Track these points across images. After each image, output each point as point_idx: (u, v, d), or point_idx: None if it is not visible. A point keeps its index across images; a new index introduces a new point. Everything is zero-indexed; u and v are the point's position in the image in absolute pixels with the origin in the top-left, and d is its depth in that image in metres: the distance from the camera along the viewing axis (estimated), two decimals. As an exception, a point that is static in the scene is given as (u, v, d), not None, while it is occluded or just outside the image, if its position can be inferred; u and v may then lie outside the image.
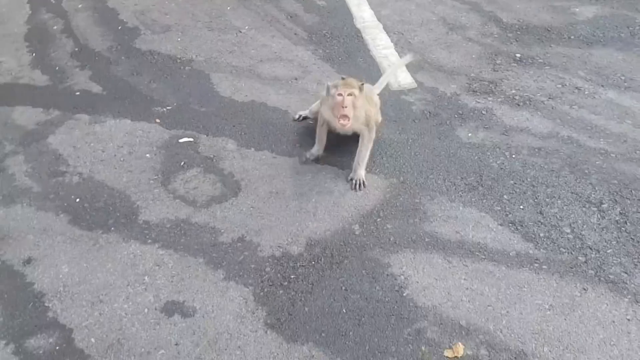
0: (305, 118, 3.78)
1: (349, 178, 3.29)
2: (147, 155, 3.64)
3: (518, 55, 4.44)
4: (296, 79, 4.31)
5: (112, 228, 3.12)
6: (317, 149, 3.46)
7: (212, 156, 3.60)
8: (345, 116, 3.10)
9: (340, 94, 3.11)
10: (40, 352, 2.51)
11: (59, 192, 3.39)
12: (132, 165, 3.57)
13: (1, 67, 4.72)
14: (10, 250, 3.02)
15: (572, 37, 4.61)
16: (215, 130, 3.82)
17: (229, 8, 5.40)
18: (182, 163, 3.56)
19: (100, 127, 3.92)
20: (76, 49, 4.89)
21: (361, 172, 3.27)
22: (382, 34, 4.85)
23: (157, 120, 3.95)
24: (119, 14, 5.39)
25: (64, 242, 3.05)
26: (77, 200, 3.33)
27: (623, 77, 4.09)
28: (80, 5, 5.59)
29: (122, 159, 3.62)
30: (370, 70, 4.34)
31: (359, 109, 3.16)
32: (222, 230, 3.07)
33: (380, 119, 3.54)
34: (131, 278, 2.83)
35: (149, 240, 3.03)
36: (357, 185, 3.24)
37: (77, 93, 4.32)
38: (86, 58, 4.76)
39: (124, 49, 4.85)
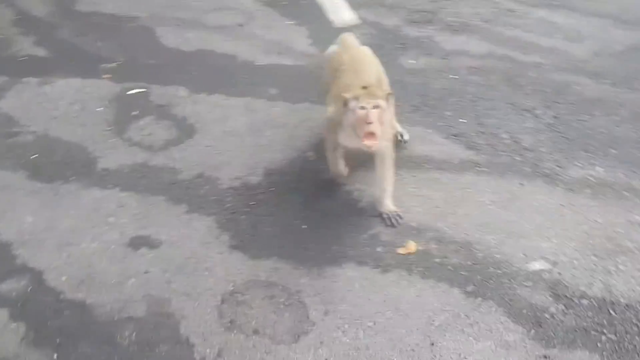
0: None
1: (379, 213, 2.74)
2: (100, 109, 3.67)
3: (454, -15, 4.57)
4: (241, 25, 4.36)
5: (72, 178, 3.17)
6: (338, 169, 2.89)
7: (164, 104, 3.65)
8: (372, 134, 2.44)
9: (363, 107, 2.48)
10: (13, 294, 2.58)
11: (15, 151, 3.40)
12: (86, 119, 3.59)
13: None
14: (-28, 208, 3.05)
15: (505, -36, 4.76)
16: (165, 79, 3.86)
17: (168, -35, 5.34)
18: (135, 113, 3.60)
19: (50, 88, 3.91)
20: (17, 17, 4.80)
21: (389, 202, 2.73)
22: (322, -24, 4.90)
23: (107, 76, 3.96)
24: (56, -21, 5.27)
25: (25, 195, 3.09)
26: (34, 156, 3.35)
27: (554, -4, 4.28)
28: (15, -26, 5.43)
29: (74, 115, 3.64)
30: (312, 12, 4.41)
31: (385, 124, 2.57)
32: (181, 170, 3.15)
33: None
34: (95, 220, 2.89)
35: (109, 185, 3.09)
36: (393, 220, 2.70)
37: (23, 58, 4.27)
38: (28, 25, 4.68)
39: (65, 12, 4.79)
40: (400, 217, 2.73)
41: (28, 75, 4.06)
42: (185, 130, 3.42)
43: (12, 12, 4.88)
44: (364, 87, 2.55)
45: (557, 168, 2.91)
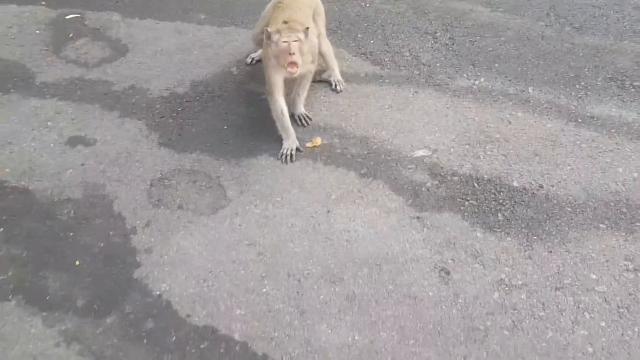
0: (259, 61, 3.48)
1: (291, 114, 3.10)
2: (37, 31, 3.92)
3: None
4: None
5: (12, 90, 3.45)
6: (290, 143, 2.99)
7: (99, 27, 3.93)
8: (293, 63, 2.76)
9: (285, 41, 2.76)
10: (-40, 184, 2.90)
11: (-46, 68, 3.64)
12: (23, 40, 3.84)
13: None
14: None
15: None
16: (100, 6, 4.13)
17: None
18: (70, 35, 3.87)
19: (-13, 13, 4.11)
20: (-52, -52, 4.88)
21: (301, 106, 3.15)
22: None
23: (43, 3, 4.18)
24: None
25: (-33, 105, 3.36)
26: (-26, 72, 3.60)
27: (463, -62, 4.72)
28: None
29: (12, 37, 3.88)
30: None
31: (305, 53, 2.85)
32: (114, 82, 3.48)
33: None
34: (35, 124, 3.21)
35: (47, 96, 3.40)
36: (303, 121, 3.14)
37: (-43, -15, 4.42)
38: (-40, -45, 4.78)
39: (-1, -56, 4.90)
40: (310, 119, 3.16)
41: (-36, 1, 4.23)
42: (119, 50, 3.73)
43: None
44: (285, 22, 2.84)
45: (447, 79, 3.39)
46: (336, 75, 3.37)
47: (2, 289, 2.45)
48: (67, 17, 4.03)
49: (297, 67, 2.77)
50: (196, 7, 4.05)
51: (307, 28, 2.85)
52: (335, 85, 3.35)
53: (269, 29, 2.82)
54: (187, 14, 3.99)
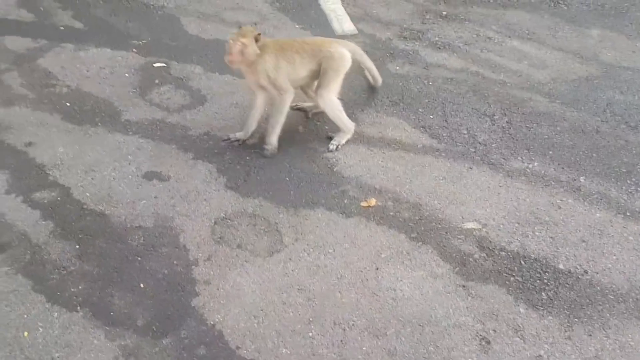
0: (299, 109, 3.96)
1: (261, 145, 3.60)
2: (126, 75, 4.37)
3: (444, 12, 5.35)
4: (255, 23, 5.09)
5: (99, 124, 3.84)
6: (241, 133, 3.67)
7: (182, 77, 4.35)
8: (230, 61, 3.41)
9: (232, 39, 3.37)
10: (45, 201, 3.23)
11: (51, 99, 4.08)
12: (114, 81, 4.28)
13: (-11, 5, 5.33)
14: (12, 137, 3.71)
15: (491, 0, 5.56)
16: (185, 59, 4.57)
17: (197, -33, 6.13)
18: (156, 81, 4.30)
19: (84, 54, 4.61)
20: (58, -6, 5.53)
21: (271, 139, 3.55)
22: (332, -8, 5.69)
23: (134, 50, 4.67)
24: (96, -33, 6.04)
25: (59, 132, 3.76)
26: (68, 104, 4.03)
27: (527, 31, 5.04)
28: (59, -41, 6.21)
29: (104, 77, 4.33)
30: (319, 21, 5.16)
31: (251, 57, 3.36)
32: (191, 128, 3.84)
33: (339, 108, 3.62)
34: (117, 156, 3.56)
35: (130, 133, 3.77)
36: (268, 153, 3.56)
37: (61, 28, 4.99)
38: (67, 1, 5.41)
39: (102, -5, 5.52)
40: (275, 152, 3.56)
41: (65, 41, 4.77)
42: (198, 99, 4.12)
43: (54, -11, 5.61)
44: (240, 27, 3.51)
45: (502, 160, 3.60)
46: (340, 136, 3.64)
47: (72, 300, 2.70)
48: (155, 65, 4.48)
49: (233, 63, 3.40)
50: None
51: (259, 34, 3.39)
52: (332, 145, 3.62)
53: (233, 31, 3.54)
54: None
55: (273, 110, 3.57)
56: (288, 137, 3.76)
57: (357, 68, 3.98)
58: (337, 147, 3.65)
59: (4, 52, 4.62)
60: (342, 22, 5.17)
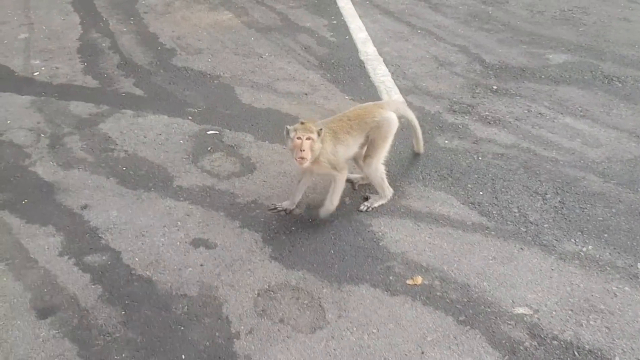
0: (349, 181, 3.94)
1: (317, 214, 3.68)
2: (181, 141, 4.56)
3: (495, 87, 5.40)
4: (306, 94, 5.27)
5: (152, 189, 4.00)
6: (288, 203, 3.77)
7: (233, 145, 4.51)
8: (302, 158, 3.35)
9: (299, 138, 3.35)
10: (96, 265, 3.34)
11: (108, 163, 4.29)
12: (168, 147, 4.48)
13: (58, 71, 5.74)
14: (69, 199, 3.90)
15: (543, 76, 5.59)
16: (237, 127, 4.75)
17: (252, 39, 6.46)
18: (209, 148, 4.46)
19: (143, 120, 4.86)
20: (121, 62, 5.91)
21: (326, 211, 3.65)
22: (381, 65, 5.85)
23: (190, 118, 4.89)
24: (158, 38, 6.45)
25: (113, 195, 3.93)
26: (124, 169, 4.22)
27: (580, 108, 5.02)
28: (125, 29, 6.67)
29: (160, 143, 4.54)
30: (369, 92, 5.30)
31: (317, 152, 3.40)
32: (239, 195, 3.94)
33: (383, 174, 3.76)
34: (167, 222, 3.68)
35: (181, 199, 3.90)
36: (323, 215, 3.66)
37: (123, 94, 5.29)
38: (130, 69, 5.77)
39: (162, 64, 5.87)
40: (329, 214, 3.62)
41: (126, 108, 5.05)
42: (248, 167, 4.24)
43: (118, 57, 6.01)
44: (302, 123, 3.42)
45: (555, 241, 3.51)
46: (375, 199, 3.76)
47: (114, 367, 2.73)
48: (208, 132, 4.67)
49: (306, 161, 3.34)
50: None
51: (321, 129, 3.39)
52: (364, 205, 3.74)
53: (288, 127, 3.42)
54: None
55: (333, 186, 3.63)
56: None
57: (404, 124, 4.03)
58: (369, 208, 3.75)
59: (68, 116, 4.92)
60: (391, 94, 5.29)
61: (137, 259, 3.38)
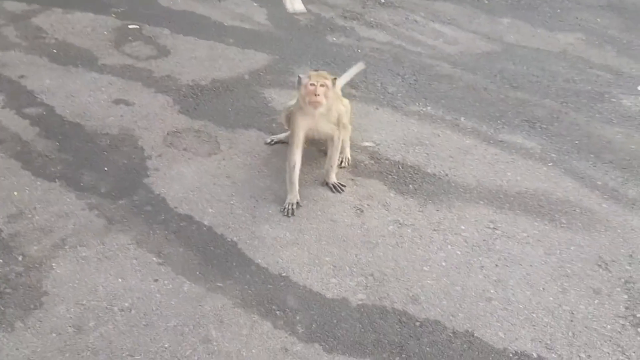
0: (277, 142, 3.99)
1: (324, 183, 3.63)
2: (105, 32, 5.35)
3: (383, 1, 6.42)
4: (219, 1, 6.11)
5: (79, 65, 4.81)
6: (291, 197, 3.47)
7: (151, 36, 5.34)
8: (317, 102, 3.28)
9: (313, 84, 3.29)
10: (33, 114, 4.16)
11: (40, 46, 5.05)
12: (94, 37, 5.26)
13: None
14: (8, 71, 4.66)
15: (425, -6, 6.66)
16: (155, 23, 5.57)
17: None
18: (129, 38, 5.28)
19: (71, 16, 5.59)
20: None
21: (333, 176, 3.62)
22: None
23: (113, 15, 5.66)
24: (84, -49, 7.07)
25: (46, 69, 4.72)
26: (54, 51, 4.99)
27: (449, 18, 6.12)
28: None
29: (86, 34, 5.31)
30: (275, 2, 6.19)
31: (330, 101, 3.36)
32: (155, 71, 4.81)
33: (349, 127, 3.77)
34: (92, 87, 4.52)
35: (105, 72, 4.74)
36: (336, 189, 3.60)
37: (52, -3, 5.97)
38: (57, -23, 6.40)
39: (88, -27, 6.53)
40: (344, 186, 3.64)
41: (55, 6, 5.75)
42: (163, 52, 5.10)
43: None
44: (315, 70, 3.71)
45: (403, 104, 4.59)
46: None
47: (51, 175, 3.62)
48: (129, 26, 5.47)
49: (320, 105, 3.31)
50: (228, 34, 5.44)
51: (335, 78, 3.46)
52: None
53: (301, 75, 3.46)
54: (220, 37, 5.38)
55: (332, 150, 3.57)
56: (234, 80, 4.74)
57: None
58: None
59: (2, 12, 5.59)
60: (295, 2, 6.21)
61: (67, 111, 4.22)
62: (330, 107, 3.44)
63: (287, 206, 3.44)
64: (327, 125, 3.50)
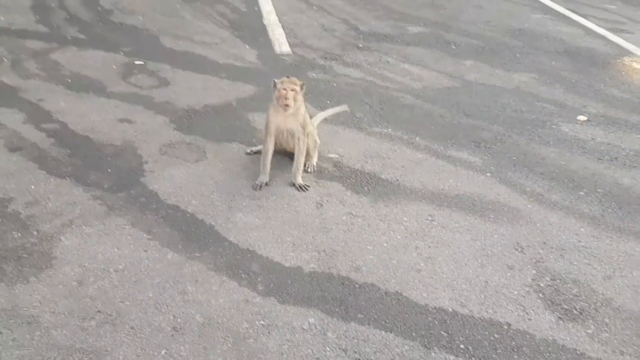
0: (256, 152, 4.65)
1: (292, 184, 4.31)
2: (114, 67, 6.23)
3: (361, 45, 7.33)
4: (216, 43, 7.04)
5: (91, 92, 5.65)
6: (263, 177, 4.31)
7: (154, 70, 6.22)
8: (287, 105, 4.07)
9: (285, 89, 4.06)
10: (49, 128, 4.95)
11: (57, 77, 5.91)
12: (104, 70, 6.14)
13: (15, 20, 7.28)
14: (28, 95, 5.49)
15: (399, 40, 7.57)
16: (158, 60, 6.46)
17: (178, 6, 8.19)
18: (135, 71, 6.15)
19: (84, 53, 6.50)
20: (67, 17, 7.52)
21: (300, 178, 4.31)
22: (279, 28, 7.71)
23: (122, 53, 6.56)
24: (99, 1, 8.08)
25: (61, 94, 5.56)
26: (69, 80, 5.85)
27: (418, 60, 7.00)
28: (71, -6, 8.28)
29: (97, 68, 6.19)
30: (265, 44, 7.11)
31: (298, 103, 4.15)
32: (156, 98, 5.64)
33: (318, 141, 4.57)
34: (100, 110, 5.33)
35: (112, 98, 5.57)
36: (301, 189, 4.29)
37: (69, 38, 6.91)
38: (75, 22, 7.38)
39: (101, 20, 7.51)
40: (308, 186, 4.34)
41: (71, 45, 6.67)
42: (163, 83, 5.95)
43: (65, 13, 7.62)
44: (287, 77, 4.29)
45: (367, 126, 5.36)
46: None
47: (64, 174, 4.36)
48: (136, 62, 6.35)
49: (289, 108, 4.09)
50: (222, 70, 6.31)
51: (303, 84, 4.23)
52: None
53: (275, 80, 4.22)
54: (215, 72, 6.25)
55: (299, 152, 4.32)
56: (224, 106, 5.55)
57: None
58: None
59: (25, 49, 6.51)
60: (282, 46, 7.13)
61: (78, 127, 5.02)
62: (299, 108, 4.23)
63: (258, 183, 4.30)
64: (294, 124, 4.27)
